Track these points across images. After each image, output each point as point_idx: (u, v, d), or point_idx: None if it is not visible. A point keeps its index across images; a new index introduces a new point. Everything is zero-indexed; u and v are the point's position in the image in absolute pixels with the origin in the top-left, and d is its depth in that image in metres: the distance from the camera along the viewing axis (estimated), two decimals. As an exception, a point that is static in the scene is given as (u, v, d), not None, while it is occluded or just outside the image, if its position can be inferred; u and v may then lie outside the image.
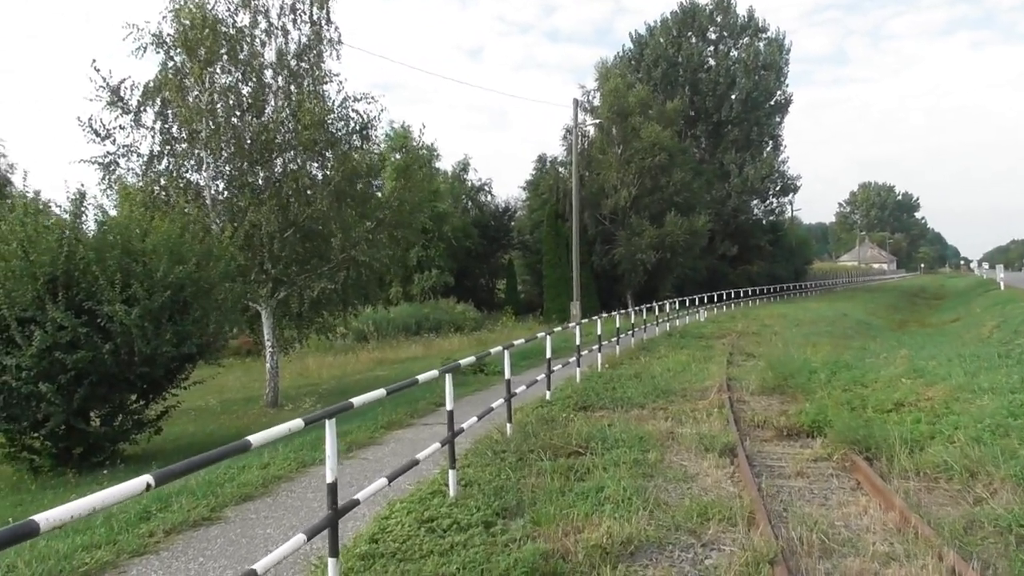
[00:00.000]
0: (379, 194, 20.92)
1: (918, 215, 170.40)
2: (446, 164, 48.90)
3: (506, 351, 9.92)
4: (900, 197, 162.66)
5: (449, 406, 7.32)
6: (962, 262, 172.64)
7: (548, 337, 12.43)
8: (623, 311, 25.32)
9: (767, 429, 10.01)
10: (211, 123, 16.98)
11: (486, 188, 46.87)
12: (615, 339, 19.33)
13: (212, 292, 13.09)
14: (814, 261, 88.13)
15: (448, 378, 7.35)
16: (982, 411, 9.04)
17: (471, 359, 9.58)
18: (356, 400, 5.41)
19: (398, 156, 39.99)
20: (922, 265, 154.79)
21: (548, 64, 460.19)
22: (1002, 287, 47.40)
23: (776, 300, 49.61)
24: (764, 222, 58.09)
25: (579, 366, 14.61)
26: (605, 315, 22.53)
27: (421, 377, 7.04)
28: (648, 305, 28.77)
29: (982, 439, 8.03)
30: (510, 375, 9.89)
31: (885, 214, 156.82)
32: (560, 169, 44.78)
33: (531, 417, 10.82)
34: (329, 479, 4.69)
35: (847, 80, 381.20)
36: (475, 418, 8.46)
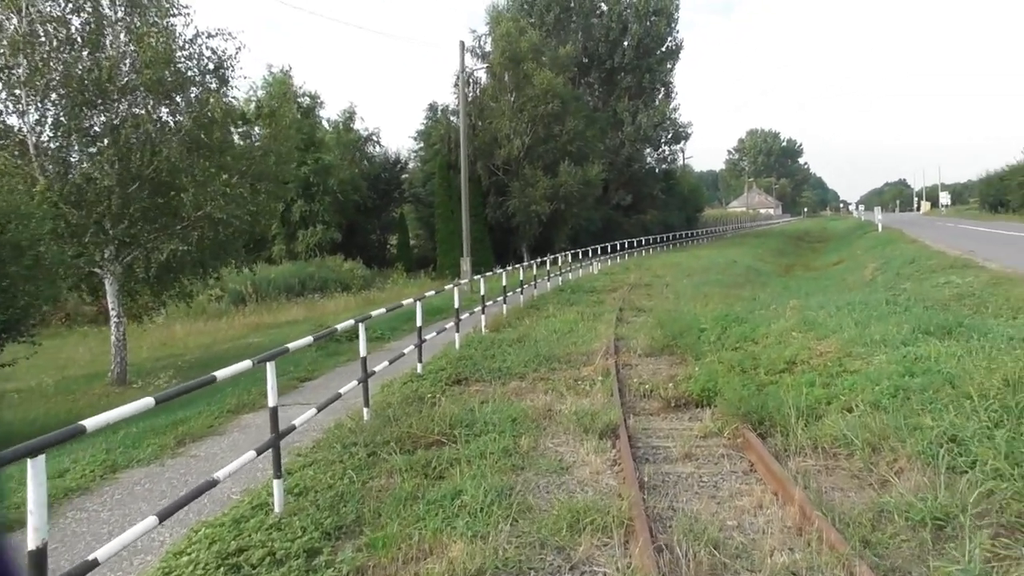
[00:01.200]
0: (240, 143, 18.94)
1: (801, 160, 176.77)
2: (331, 113, 46.28)
3: (360, 324, 8.61)
4: (785, 143, 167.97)
5: (272, 401, 5.98)
6: (842, 205, 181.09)
7: (419, 303, 11.14)
8: (517, 265, 24.28)
9: (654, 400, 9.12)
10: (33, 57, 14.60)
11: (374, 138, 44.71)
12: (503, 297, 18.22)
13: (22, 257, 11.13)
14: (705, 208, 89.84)
15: (270, 367, 5.99)
16: (879, 371, 8.38)
17: (349, 323, 8.46)
18: (219, 374, 5.09)
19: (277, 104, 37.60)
20: (805, 209, 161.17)
21: (442, 7, 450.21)
22: (879, 228, 49.11)
23: (669, 249, 49.83)
24: (657, 170, 58.12)
25: (458, 331, 13.43)
26: (499, 270, 21.38)
27: (292, 345, 6.68)
28: (543, 258, 27.89)
29: (881, 404, 7.33)
30: (366, 351, 8.60)
31: (772, 160, 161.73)
32: (452, 118, 43.02)
33: (396, 396, 9.59)
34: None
35: (734, 22, 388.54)
36: (313, 410, 7.14)
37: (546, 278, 25.69)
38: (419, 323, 11.16)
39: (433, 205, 41.79)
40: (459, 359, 11.92)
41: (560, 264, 29.72)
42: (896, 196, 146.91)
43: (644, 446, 7.38)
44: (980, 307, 12.23)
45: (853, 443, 6.48)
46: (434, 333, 12.21)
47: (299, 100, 37.91)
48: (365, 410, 8.46)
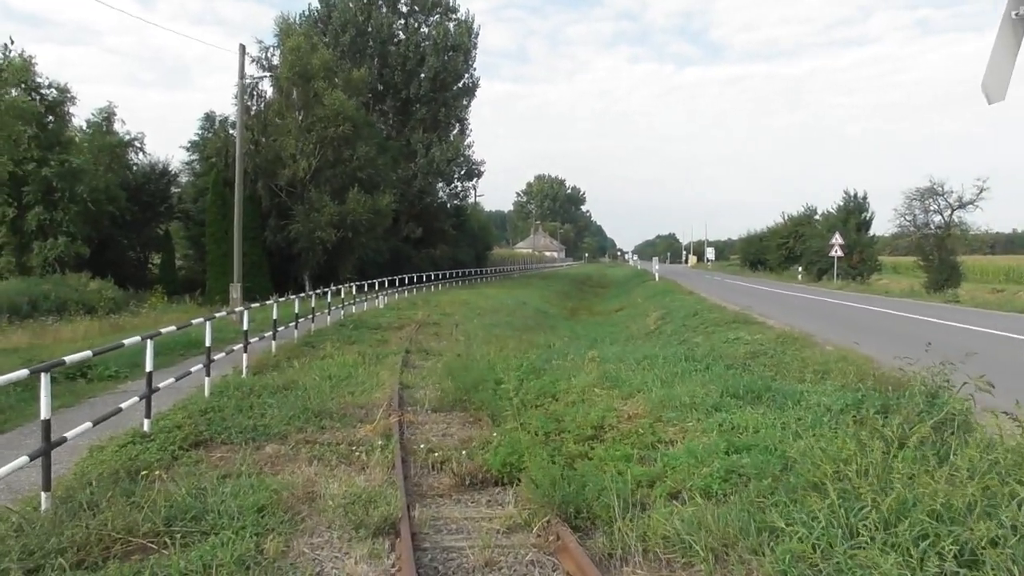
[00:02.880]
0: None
1: (584, 208, 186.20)
2: (87, 112, 40.71)
3: (43, 374, 6.16)
4: (570, 191, 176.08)
5: None
6: (619, 253, 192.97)
7: (150, 342, 8.67)
8: (297, 295, 21.74)
9: (445, 474, 7.44)
10: None
11: (138, 144, 39.63)
12: (271, 333, 15.81)
13: None
14: (494, 247, 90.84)
15: None
16: (699, 445, 7.32)
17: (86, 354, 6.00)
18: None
19: (14, 92, 32.16)
20: (586, 254, 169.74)
21: (231, 22, 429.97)
22: (656, 278, 51.61)
23: (458, 285, 49.00)
24: (449, 205, 57.40)
25: (208, 374, 10.98)
26: (279, 298, 18.77)
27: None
28: (326, 288, 25.54)
29: (713, 491, 6.18)
30: (49, 413, 6.15)
31: (556, 205, 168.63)
32: (231, 131, 39.30)
33: (104, 468, 7.15)
34: None
35: (528, 78, 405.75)
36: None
37: (327, 311, 23.38)
38: (149, 367, 8.70)
39: (205, 223, 37.73)
40: (205, 411, 9.55)
41: (344, 296, 27.51)
42: (667, 248, 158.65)
43: (432, 547, 5.65)
44: (779, 368, 11.87)
45: (691, 548, 5.19)
46: (172, 379, 9.73)
47: (43, 92, 32.65)
48: (44, 496, 6.00)
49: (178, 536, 5.47)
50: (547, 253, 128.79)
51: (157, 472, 6.82)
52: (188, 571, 4.91)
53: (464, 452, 7.96)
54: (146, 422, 8.54)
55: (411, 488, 6.95)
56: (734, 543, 5.08)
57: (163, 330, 9.86)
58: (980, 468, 5.43)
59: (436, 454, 7.89)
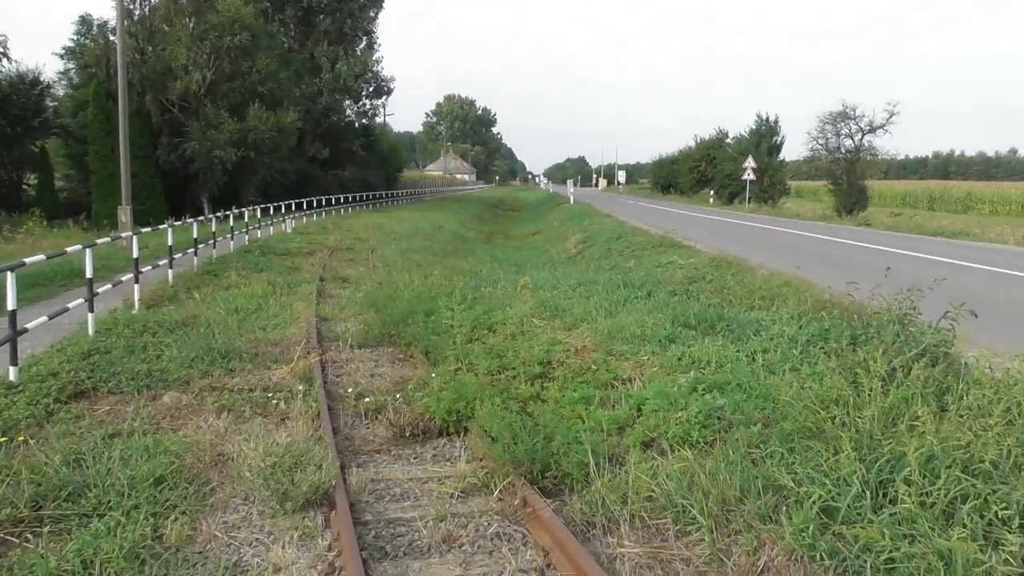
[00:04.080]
0: None
1: (495, 130, 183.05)
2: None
3: None
4: (480, 112, 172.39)
5: None
6: (530, 176, 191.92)
7: (10, 275, 7.16)
8: (195, 219, 19.86)
9: (380, 425, 6.44)
10: None
11: (1, 50, 35.45)
12: (166, 260, 14.19)
13: None
14: (404, 169, 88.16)
15: None
16: (669, 386, 6.55)
17: None
18: None
19: None
20: (497, 177, 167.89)
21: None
22: (571, 201, 51.00)
23: (369, 208, 47.05)
24: (357, 124, 54.69)
25: (92, 310, 9.50)
26: (176, 222, 16.93)
27: None
28: (227, 212, 23.62)
29: (693, 440, 5.42)
30: None
31: (467, 127, 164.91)
32: (111, 37, 35.61)
33: (-44, 430, 5.82)
34: None
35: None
36: None
37: (230, 235, 21.61)
38: (11, 304, 7.25)
39: (87, 141, 34.43)
40: (88, 354, 8.19)
41: (248, 220, 25.62)
42: (577, 171, 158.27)
43: (375, 520, 4.69)
44: (723, 294, 11.26)
45: (684, 511, 4.41)
46: (44, 318, 8.28)
47: None
48: None
49: (48, 523, 4.33)
50: (458, 176, 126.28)
51: (22, 437, 5.56)
52: (61, 572, 3.81)
53: (399, 397, 6.98)
54: (12, 370, 7.14)
55: (343, 444, 5.93)
56: (737, 506, 4.33)
57: (28, 260, 8.32)
58: (990, 410, 4.82)
59: (367, 399, 6.88)
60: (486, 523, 4.66)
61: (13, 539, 4.17)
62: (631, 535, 4.34)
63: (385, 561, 4.17)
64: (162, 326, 9.80)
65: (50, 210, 33.17)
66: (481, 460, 5.55)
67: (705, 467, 4.72)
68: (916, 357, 6.34)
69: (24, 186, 38.20)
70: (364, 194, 50.48)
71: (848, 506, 3.99)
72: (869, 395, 5.24)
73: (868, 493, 4.06)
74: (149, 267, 13.67)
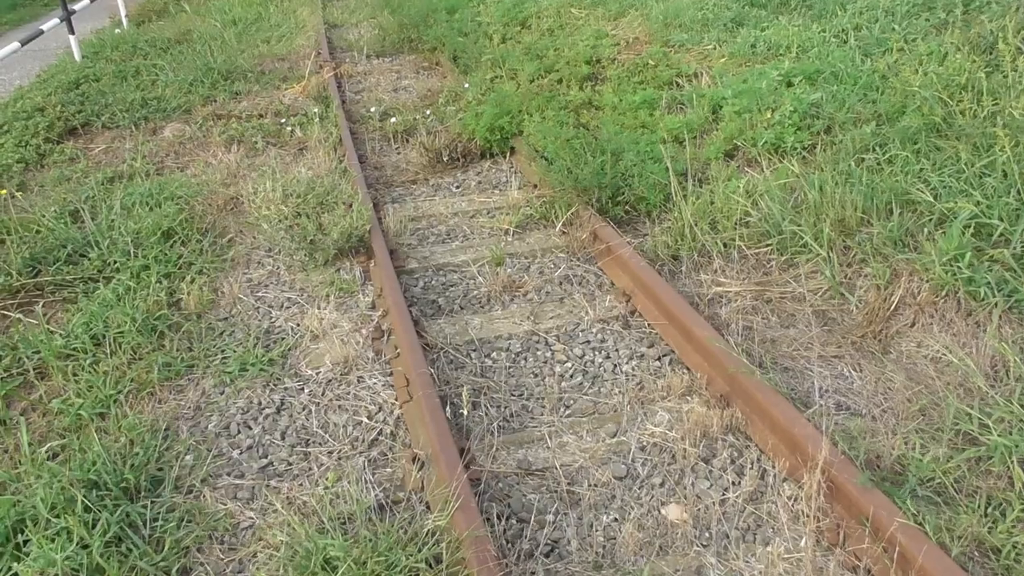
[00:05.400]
0: None
1: None
2: None
3: None
4: None
5: None
6: None
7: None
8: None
9: (411, 148, 5.58)
10: None
11: None
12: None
13: None
14: None
15: None
16: (749, 80, 5.48)
17: None
18: None
19: None
20: None
21: None
22: None
23: None
24: None
25: (73, 31, 8.29)
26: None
27: None
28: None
29: (787, 147, 4.51)
30: None
31: None
32: None
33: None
34: None
35: None
36: None
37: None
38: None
39: None
40: (76, 83, 7.22)
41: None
42: None
43: (422, 268, 4.03)
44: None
45: (795, 239, 3.64)
46: (16, 44, 7.19)
47: None
48: None
49: (48, 290, 3.75)
50: None
51: (6, 190, 4.84)
52: (70, 351, 3.29)
53: (430, 113, 6.04)
54: (-9, 106, 6.27)
55: (372, 176, 5.14)
56: (858, 229, 3.56)
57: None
58: None
59: (394, 119, 5.95)
60: (552, 264, 3.99)
61: (11, 312, 3.62)
62: (727, 269, 3.65)
63: (440, 318, 3.57)
64: (154, 46, 8.64)
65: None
66: (535, 186, 4.77)
67: (813, 180, 3.88)
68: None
69: None
70: None
71: (1008, 225, 3.19)
72: (1013, 75, 4.21)
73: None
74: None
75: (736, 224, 3.84)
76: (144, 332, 3.42)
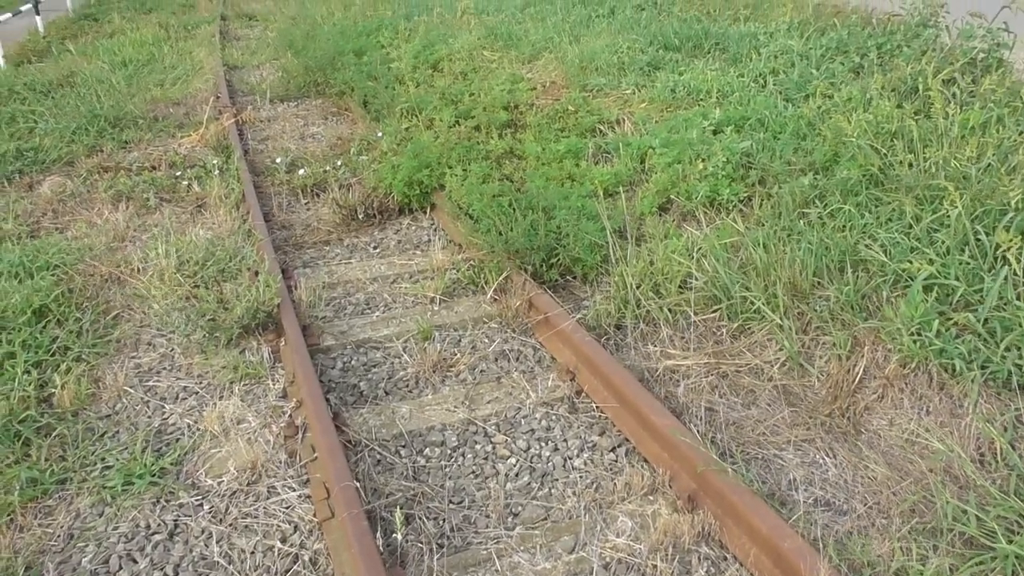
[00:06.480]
0: None
1: None
2: None
3: None
4: None
5: None
6: None
7: None
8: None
9: (323, 204, 5.15)
10: None
11: None
12: (30, 3, 11.64)
13: None
14: None
15: None
16: (676, 128, 5.33)
17: None
18: None
19: None
20: None
21: None
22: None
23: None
24: None
25: (-64, 76, 7.53)
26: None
27: None
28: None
29: (723, 201, 4.32)
30: None
31: None
32: None
33: None
34: None
35: None
36: None
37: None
38: None
39: None
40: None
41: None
42: None
43: (340, 345, 3.59)
44: (699, 5, 9.59)
45: (745, 304, 3.40)
46: None
47: None
48: None
49: None
50: None
51: None
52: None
53: (341, 164, 5.62)
54: None
55: (281, 237, 4.68)
56: (808, 290, 3.34)
57: None
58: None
59: (303, 172, 5.51)
60: (486, 338, 3.63)
61: None
62: (676, 339, 3.38)
63: (363, 407, 3.15)
64: (33, 89, 7.92)
65: None
66: (460, 247, 4.41)
67: (756, 238, 3.67)
68: (965, 68, 5.24)
69: None
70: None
71: (967, 285, 3.02)
72: (944, 123, 4.14)
73: (983, 262, 3.09)
74: (9, 14, 11.24)
75: (680, 288, 3.59)
76: (4, 439, 2.87)
